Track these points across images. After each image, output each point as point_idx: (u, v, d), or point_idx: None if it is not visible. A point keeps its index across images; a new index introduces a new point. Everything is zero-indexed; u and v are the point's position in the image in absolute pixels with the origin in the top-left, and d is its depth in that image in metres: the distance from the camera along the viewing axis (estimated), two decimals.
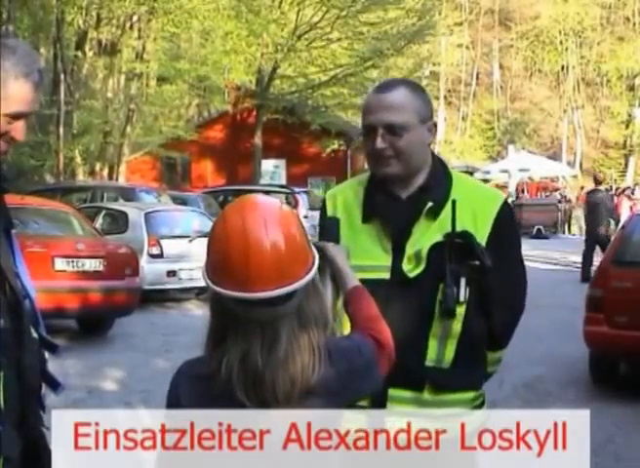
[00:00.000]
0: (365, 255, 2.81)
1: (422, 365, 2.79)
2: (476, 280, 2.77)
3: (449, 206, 2.79)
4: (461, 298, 2.75)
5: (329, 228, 2.78)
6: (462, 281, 2.74)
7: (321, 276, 2.62)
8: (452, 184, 2.89)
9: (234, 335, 2.16)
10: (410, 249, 2.80)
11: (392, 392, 2.74)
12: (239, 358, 2.14)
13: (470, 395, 2.88)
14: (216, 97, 38.63)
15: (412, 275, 2.79)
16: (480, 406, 2.93)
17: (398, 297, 2.75)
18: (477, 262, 2.75)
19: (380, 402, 2.72)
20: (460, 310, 2.77)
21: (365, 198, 2.92)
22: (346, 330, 2.71)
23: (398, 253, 2.81)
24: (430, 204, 2.81)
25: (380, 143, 2.80)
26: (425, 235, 2.80)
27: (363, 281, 2.70)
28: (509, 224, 2.97)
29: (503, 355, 3.07)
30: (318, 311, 2.23)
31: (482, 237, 2.81)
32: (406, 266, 2.80)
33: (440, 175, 2.92)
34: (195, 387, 2.23)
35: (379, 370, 2.34)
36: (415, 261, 2.79)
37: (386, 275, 2.80)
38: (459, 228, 2.77)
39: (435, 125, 2.92)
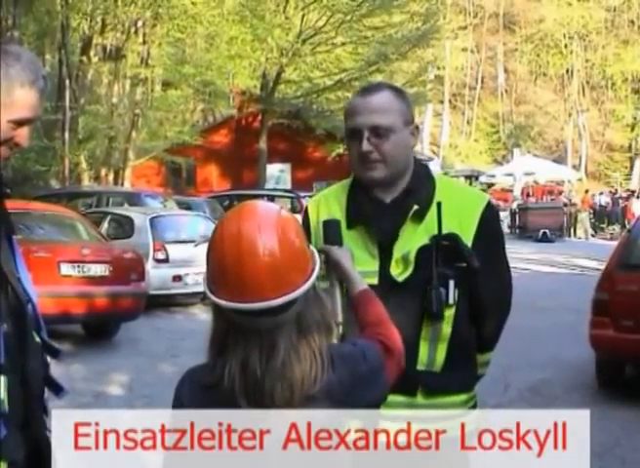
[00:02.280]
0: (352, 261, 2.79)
1: (414, 369, 2.77)
2: (465, 281, 2.77)
3: (434, 208, 2.79)
4: (450, 300, 2.75)
5: (331, 230, 2.73)
6: (451, 283, 2.74)
7: (327, 279, 2.61)
8: (435, 187, 2.89)
9: (234, 344, 2.15)
10: (397, 252, 2.80)
11: None
12: (240, 367, 2.13)
13: (463, 397, 2.88)
14: (221, 101, 38.64)
15: (400, 279, 2.78)
16: (472, 408, 2.93)
17: (387, 302, 2.69)
18: (464, 264, 2.76)
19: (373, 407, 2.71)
20: (450, 312, 2.77)
21: (348, 204, 2.90)
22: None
23: (385, 257, 2.80)
24: (416, 207, 2.80)
25: (365, 146, 2.79)
26: (412, 238, 2.79)
27: None
28: (494, 225, 2.97)
29: (492, 357, 3.07)
30: (319, 318, 2.20)
31: (468, 238, 2.81)
32: (394, 270, 2.79)
33: (423, 177, 2.91)
34: (199, 396, 2.22)
35: (385, 376, 2.31)
36: (403, 265, 2.78)
37: (374, 280, 2.77)
38: (445, 230, 2.77)
39: (417, 128, 2.92)
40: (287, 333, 2.13)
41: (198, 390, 2.22)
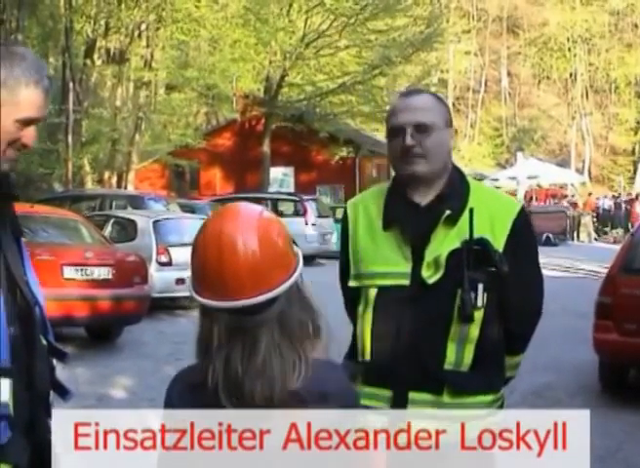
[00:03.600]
0: (385, 262, 2.89)
1: (442, 368, 2.83)
2: (494, 285, 2.82)
3: (466, 213, 2.85)
4: (479, 304, 2.81)
5: None
6: (480, 286, 2.80)
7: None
8: (469, 192, 2.95)
9: (218, 343, 2.15)
10: (429, 256, 2.86)
11: (412, 395, 2.82)
12: (223, 365, 2.14)
13: (489, 397, 2.92)
14: (224, 104, 38.71)
15: (431, 281, 2.84)
16: (499, 408, 2.98)
17: (417, 303, 2.82)
18: (494, 269, 2.81)
19: (400, 404, 2.79)
20: (479, 315, 2.83)
21: (385, 206, 2.98)
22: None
23: (418, 259, 2.87)
24: (448, 212, 2.87)
25: (409, 140, 2.88)
26: (444, 242, 2.86)
27: (383, 287, 2.84)
28: (526, 231, 3.02)
29: (522, 359, 3.11)
30: (303, 317, 2.20)
31: (499, 243, 2.87)
32: (425, 273, 2.85)
33: (458, 183, 2.98)
34: (187, 397, 2.23)
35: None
36: (434, 268, 2.85)
37: (406, 281, 2.86)
38: (476, 235, 2.83)
39: (456, 132, 2.98)
40: (268, 332, 2.14)
41: (187, 390, 2.23)
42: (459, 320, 2.81)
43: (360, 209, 3.06)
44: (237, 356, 2.14)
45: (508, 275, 2.82)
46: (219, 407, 2.15)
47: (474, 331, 2.84)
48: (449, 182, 2.96)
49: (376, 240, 2.94)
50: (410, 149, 2.88)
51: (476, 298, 2.80)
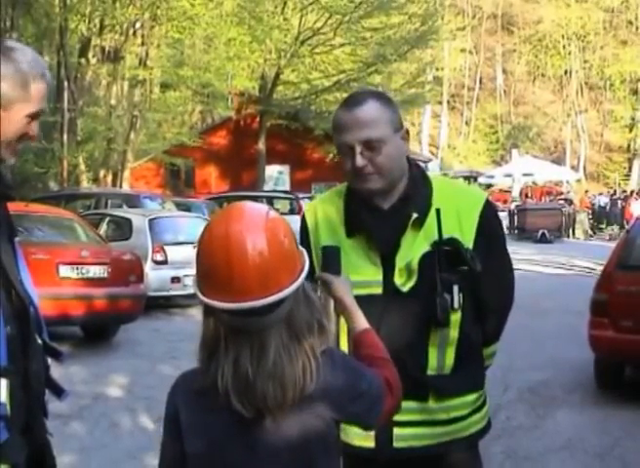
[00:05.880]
0: (354, 271, 2.75)
1: (425, 374, 2.79)
2: (468, 284, 2.77)
3: (433, 214, 2.78)
4: (455, 305, 2.75)
5: (330, 257, 2.66)
6: (455, 288, 2.74)
7: (326, 309, 2.59)
8: (432, 189, 2.87)
9: (225, 345, 2.14)
10: (400, 261, 2.78)
11: None
12: (232, 368, 2.13)
13: (473, 397, 2.90)
14: (219, 103, 38.70)
15: (405, 289, 2.77)
16: (482, 405, 2.95)
17: (393, 311, 2.74)
18: (466, 268, 2.75)
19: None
20: (456, 317, 2.78)
21: (346, 211, 2.88)
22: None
23: (388, 266, 2.78)
24: (415, 215, 2.78)
25: (359, 161, 2.74)
26: (414, 246, 2.78)
27: (356, 297, 2.65)
28: (493, 221, 2.96)
29: (497, 347, 3.08)
30: (309, 317, 2.19)
31: (469, 238, 2.81)
32: (398, 280, 2.78)
33: (419, 181, 2.89)
34: (194, 401, 2.21)
35: (380, 408, 2.29)
36: (406, 274, 2.77)
37: (379, 290, 2.78)
38: (445, 235, 2.76)
39: (407, 132, 2.87)
40: (277, 334, 2.13)
41: (192, 396, 2.21)
42: (436, 325, 2.75)
43: (319, 215, 2.93)
44: (246, 358, 2.12)
45: (481, 274, 2.76)
46: (230, 410, 2.13)
47: (454, 333, 2.79)
48: (410, 182, 2.86)
49: (341, 248, 2.77)
50: (361, 169, 2.74)
51: (452, 300, 2.73)
